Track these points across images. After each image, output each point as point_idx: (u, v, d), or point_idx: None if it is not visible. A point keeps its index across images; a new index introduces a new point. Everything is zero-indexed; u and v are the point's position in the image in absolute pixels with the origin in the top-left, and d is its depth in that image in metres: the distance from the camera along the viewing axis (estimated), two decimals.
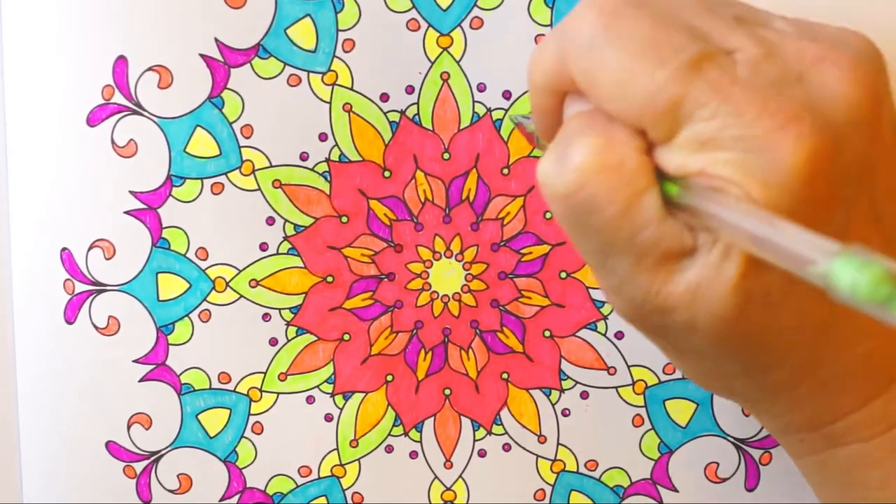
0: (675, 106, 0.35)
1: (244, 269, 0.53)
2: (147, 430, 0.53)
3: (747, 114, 0.34)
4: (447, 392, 0.54)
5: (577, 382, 0.54)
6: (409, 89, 0.52)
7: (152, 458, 0.54)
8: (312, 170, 0.52)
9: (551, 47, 0.38)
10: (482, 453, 0.55)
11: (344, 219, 0.52)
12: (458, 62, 0.52)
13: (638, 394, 0.54)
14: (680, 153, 0.35)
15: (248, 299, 0.53)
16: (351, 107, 0.52)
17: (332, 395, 0.54)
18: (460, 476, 0.55)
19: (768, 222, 0.32)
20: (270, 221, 0.52)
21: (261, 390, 0.54)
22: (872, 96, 0.36)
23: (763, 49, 0.36)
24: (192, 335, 0.53)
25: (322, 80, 0.51)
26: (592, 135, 0.36)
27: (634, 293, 0.37)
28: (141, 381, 0.53)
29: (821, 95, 0.36)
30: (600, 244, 0.37)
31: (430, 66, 0.52)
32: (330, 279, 0.53)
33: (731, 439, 0.55)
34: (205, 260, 0.52)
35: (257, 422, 0.54)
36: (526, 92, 0.52)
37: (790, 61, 0.36)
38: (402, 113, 0.52)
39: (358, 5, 0.51)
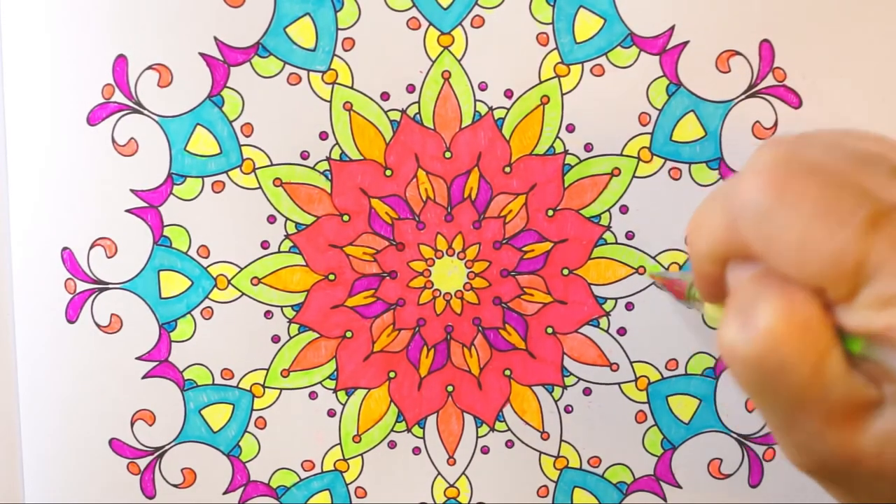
0: (859, 265, 0.36)
1: (246, 266, 0.56)
2: (150, 426, 0.57)
3: None
4: (450, 389, 0.58)
5: (579, 379, 0.58)
6: (410, 88, 0.55)
7: (156, 454, 0.57)
8: (313, 168, 0.55)
9: (717, 216, 0.40)
10: (485, 450, 0.58)
11: (345, 217, 0.56)
12: (459, 61, 0.55)
13: (641, 390, 0.58)
14: (863, 312, 0.36)
15: (249, 297, 0.56)
16: (351, 105, 0.55)
17: (335, 391, 0.57)
18: (463, 472, 0.58)
19: None
20: (272, 219, 0.56)
21: (263, 386, 0.57)
22: None
23: None
24: (194, 332, 0.56)
25: (322, 78, 0.55)
26: (775, 298, 0.37)
27: (822, 449, 0.38)
28: (144, 378, 0.57)
29: None
30: (787, 404, 0.38)
31: (431, 65, 0.55)
32: (332, 277, 0.57)
33: (735, 435, 0.58)
34: (206, 258, 0.56)
35: (260, 417, 0.58)
36: (527, 91, 0.55)
37: None
38: (403, 112, 0.55)
39: (357, 4, 0.54)
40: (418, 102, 0.55)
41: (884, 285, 0.36)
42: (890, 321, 0.36)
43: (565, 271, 0.57)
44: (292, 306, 0.57)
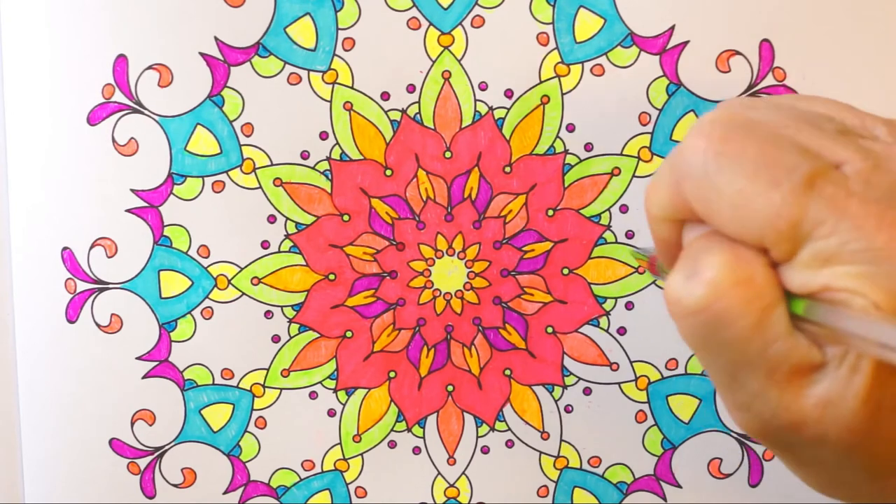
0: (795, 225, 0.37)
1: (246, 266, 0.57)
2: (151, 426, 0.58)
3: (866, 227, 0.36)
4: (450, 388, 0.58)
5: (579, 378, 0.58)
6: (411, 88, 0.56)
7: (156, 454, 0.58)
8: (313, 168, 0.56)
9: (665, 179, 0.41)
10: (485, 450, 0.59)
11: (345, 217, 0.57)
12: (459, 61, 0.55)
13: (641, 389, 0.58)
14: (803, 271, 0.37)
15: (250, 297, 0.57)
16: (351, 105, 0.55)
17: (335, 390, 0.58)
18: (463, 472, 0.59)
19: None
20: (272, 219, 0.56)
21: (264, 386, 0.58)
22: None
23: (871, 161, 0.38)
24: (194, 332, 0.57)
25: (322, 78, 0.55)
26: (721, 252, 0.38)
27: (764, 409, 0.39)
28: (144, 377, 0.57)
29: None
30: (730, 360, 0.39)
31: (432, 65, 0.55)
32: (332, 277, 0.57)
33: (735, 435, 0.59)
34: (206, 258, 0.57)
35: (260, 417, 0.58)
36: (527, 91, 0.56)
37: None
38: (404, 111, 0.56)
39: (358, 4, 0.54)
40: (418, 102, 0.56)
41: (821, 245, 0.37)
42: (827, 281, 0.37)
43: (565, 271, 0.57)
44: (292, 306, 0.57)
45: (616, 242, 0.57)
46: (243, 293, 0.57)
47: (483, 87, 0.56)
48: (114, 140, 0.55)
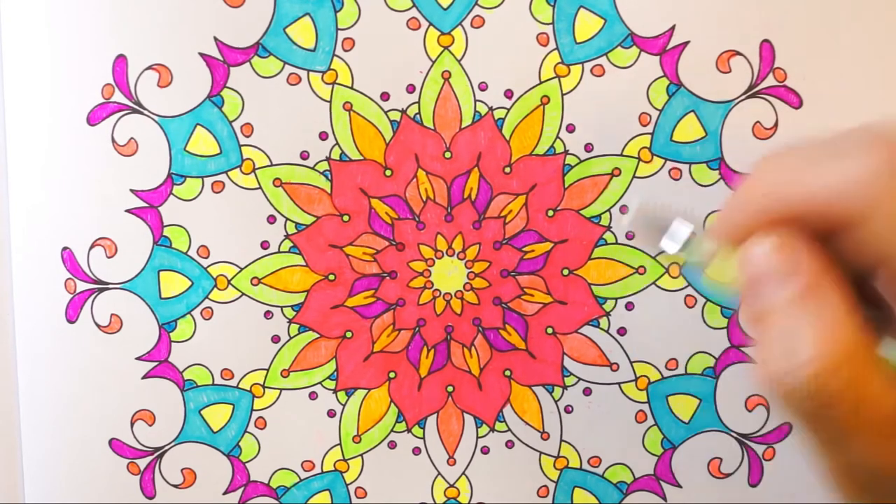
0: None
1: (246, 267, 0.57)
2: (150, 426, 0.58)
3: None
4: (450, 389, 0.59)
5: (579, 379, 0.59)
6: (410, 88, 0.56)
7: (156, 454, 0.58)
8: (313, 168, 0.56)
9: (826, 176, 0.37)
10: (485, 450, 0.59)
11: (345, 217, 0.57)
12: (459, 61, 0.56)
13: (641, 390, 0.59)
14: (879, 240, 0.36)
15: (249, 297, 0.57)
16: (351, 106, 0.56)
17: (335, 391, 0.58)
18: (463, 473, 0.59)
19: None
20: (271, 220, 0.57)
21: (263, 386, 0.58)
22: None
23: None
24: (194, 332, 0.57)
25: (322, 78, 0.56)
26: (815, 322, 0.37)
27: (877, 465, 0.38)
28: (144, 378, 0.58)
29: None
30: (839, 430, 0.37)
31: (431, 65, 0.56)
32: (332, 277, 0.57)
33: (735, 435, 0.59)
34: (206, 258, 0.57)
35: (260, 417, 0.59)
36: (527, 91, 0.56)
37: None
38: (403, 112, 0.56)
39: (357, 4, 0.55)
40: (418, 102, 0.56)
41: None
42: None
43: (565, 271, 0.58)
44: (292, 306, 0.58)
45: (616, 243, 0.57)
46: (243, 293, 0.57)
47: (483, 87, 0.56)
48: (113, 140, 0.56)
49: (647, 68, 0.56)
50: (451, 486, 0.60)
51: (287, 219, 0.57)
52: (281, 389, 0.58)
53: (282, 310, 0.58)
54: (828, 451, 0.39)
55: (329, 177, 0.56)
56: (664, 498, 0.60)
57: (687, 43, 0.55)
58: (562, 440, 0.59)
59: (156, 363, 0.58)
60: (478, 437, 0.59)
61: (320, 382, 0.59)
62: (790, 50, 0.55)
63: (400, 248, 0.57)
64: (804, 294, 0.38)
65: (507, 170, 0.57)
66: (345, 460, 0.59)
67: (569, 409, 0.59)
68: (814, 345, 0.36)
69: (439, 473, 0.60)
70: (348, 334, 0.58)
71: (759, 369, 0.38)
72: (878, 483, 0.39)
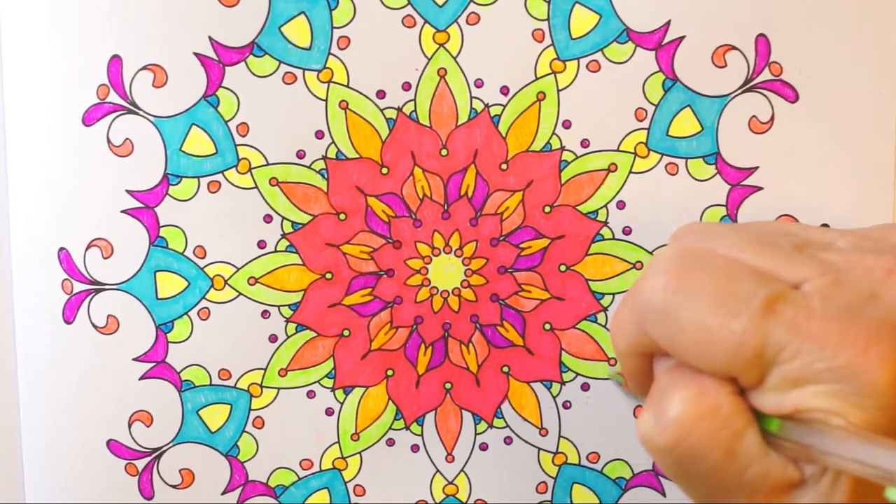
0: (759, 353, 0.38)
1: (242, 266, 0.58)
2: (148, 427, 0.59)
3: (829, 346, 0.37)
4: (448, 386, 0.59)
5: (577, 374, 0.59)
6: (406, 86, 0.57)
7: (154, 455, 0.59)
8: (309, 167, 0.57)
9: (627, 316, 0.43)
10: (483, 447, 0.60)
11: (342, 216, 0.57)
12: (454, 58, 0.56)
13: None
14: (773, 394, 0.39)
15: (246, 297, 0.58)
16: (347, 104, 0.56)
17: (333, 389, 0.59)
18: (462, 469, 0.60)
19: (872, 444, 0.36)
20: (268, 219, 0.57)
21: (261, 386, 0.59)
22: None
23: (830, 276, 0.39)
24: (191, 333, 0.58)
25: (318, 77, 0.56)
26: (684, 387, 0.40)
27: None
28: (141, 379, 0.58)
29: None
30: (709, 488, 0.40)
31: (427, 63, 0.56)
32: (329, 276, 0.58)
33: None
34: (203, 258, 0.57)
35: (258, 416, 0.59)
36: (523, 88, 0.57)
37: (859, 282, 0.39)
38: (399, 109, 0.57)
39: (353, 2, 0.55)
40: (414, 100, 0.57)
41: (787, 368, 0.38)
42: (797, 401, 0.38)
43: (563, 267, 0.58)
44: (289, 305, 0.58)
45: (613, 239, 0.58)
46: (240, 293, 0.58)
47: (479, 84, 0.57)
48: (109, 141, 0.56)
49: (642, 63, 0.57)
50: (450, 482, 0.60)
51: (283, 218, 0.57)
52: (279, 389, 0.59)
53: (279, 309, 0.58)
54: None
55: (325, 175, 0.57)
56: (663, 494, 0.60)
57: (682, 38, 0.56)
58: (560, 436, 0.60)
59: (153, 364, 0.58)
60: (476, 434, 0.60)
61: (318, 381, 0.59)
62: (786, 44, 0.56)
63: (397, 245, 0.58)
64: (681, 364, 0.41)
65: (504, 166, 0.57)
66: (343, 458, 0.60)
67: (567, 405, 0.60)
68: (678, 402, 0.40)
69: (438, 470, 0.60)
70: (346, 333, 0.59)
71: (636, 428, 0.41)
72: None
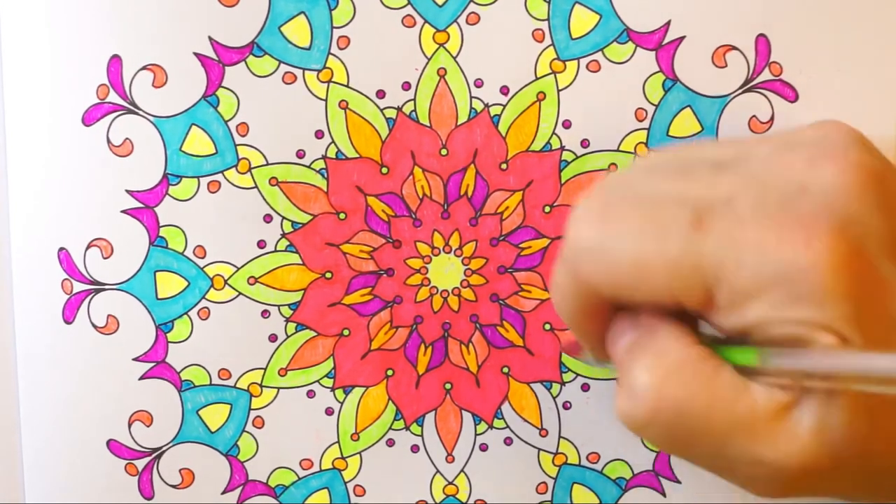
0: (698, 269, 0.38)
1: (242, 266, 0.58)
2: (148, 427, 0.59)
3: (769, 249, 0.37)
4: (448, 386, 0.59)
5: (577, 375, 0.59)
6: (406, 85, 0.57)
7: (154, 455, 0.59)
8: (309, 167, 0.57)
9: (563, 274, 0.42)
10: (483, 447, 0.60)
11: (342, 215, 0.58)
12: (454, 58, 0.57)
13: None
14: (730, 314, 0.38)
15: (246, 296, 0.58)
16: (347, 104, 0.57)
17: (333, 389, 0.59)
18: (462, 470, 0.60)
19: (864, 356, 0.35)
20: (268, 219, 0.58)
21: (261, 385, 0.59)
22: (875, 173, 0.39)
23: (755, 181, 0.39)
24: (191, 333, 0.58)
25: (317, 77, 0.57)
26: (643, 355, 0.40)
27: (770, 469, 0.39)
28: (141, 378, 0.58)
29: (827, 194, 0.38)
30: (708, 445, 0.39)
31: (427, 62, 0.57)
32: (329, 275, 0.59)
33: None
34: (203, 258, 0.58)
35: (258, 416, 0.60)
36: (523, 87, 0.57)
37: (784, 179, 0.39)
38: (399, 109, 0.57)
39: (352, 2, 0.56)
40: (414, 100, 0.57)
41: (734, 281, 0.38)
42: (757, 315, 0.38)
43: None
44: (289, 305, 0.59)
45: None
46: (240, 293, 0.58)
47: (479, 84, 0.57)
48: (108, 141, 0.56)
49: (642, 64, 0.57)
50: (450, 483, 0.61)
51: (283, 217, 0.58)
52: (278, 388, 0.59)
53: (279, 308, 0.59)
54: (724, 471, 0.41)
55: (325, 175, 0.57)
56: (663, 494, 0.61)
57: (682, 38, 0.57)
58: (560, 436, 0.60)
59: (153, 364, 0.59)
60: (476, 435, 0.60)
61: (318, 381, 0.60)
62: (786, 44, 0.56)
63: (397, 245, 0.58)
64: (636, 339, 0.41)
65: (504, 166, 0.58)
66: (343, 458, 0.60)
67: (567, 406, 0.60)
68: (643, 374, 0.39)
69: (438, 471, 0.61)
70: (346, 332, 0.59)
71: (617, 414, 0.41)
72: (792, 484, 0.40)
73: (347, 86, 0.57)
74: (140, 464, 0.59)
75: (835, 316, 0.36)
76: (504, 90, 0.57)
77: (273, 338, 0.59)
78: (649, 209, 0.40)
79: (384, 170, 0.57)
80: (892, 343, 0.37)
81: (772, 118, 0.57)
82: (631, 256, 0.39)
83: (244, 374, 0.59)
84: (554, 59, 0.57)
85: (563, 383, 0.59)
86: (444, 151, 0.57)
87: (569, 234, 0.42)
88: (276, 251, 0.58)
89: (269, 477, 0.60)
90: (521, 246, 0.58)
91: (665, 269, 0.39)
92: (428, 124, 0.57)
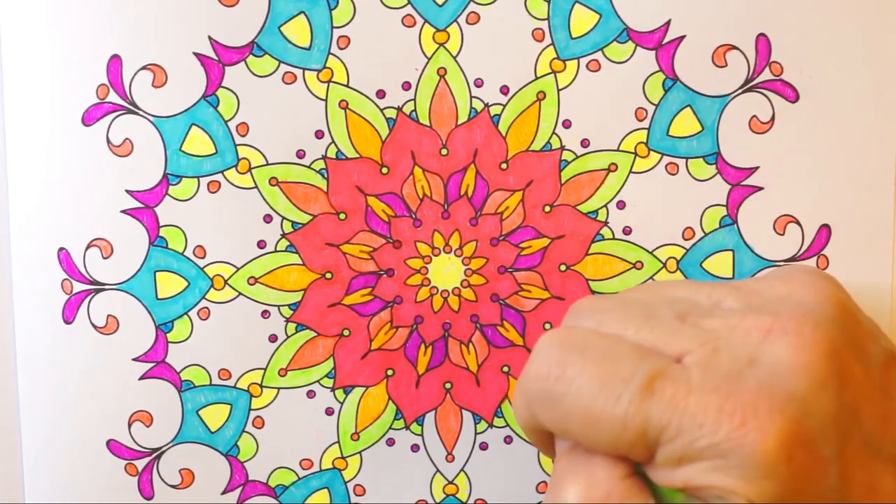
0: (642, 434, 0.39)
1: (242, 266, 0.58)
2: (148, 427, 0.59)
3: (707, 422, 0.38)
4: (448, 386, 0.60)
5: None
6: (406, 85, 0.57)
7: (154, 455, 0.59)
8: (309, 167, 0.57)
9: (519, 400, 0.44)
10: (484, 446, 0.60)
11: (342, 216, 0.58)
12: (454, 57, 0.57)
13: None
14: (663, 471, 0.40)
15: (246, 297, 0.58)
16: (347, 104, 0.57)
17: (333, 389, 0.59)
18: (462, 469, 0.60)
19: None
20: (268, 219, 0.58)
21: (261, 386, 0.59)
22: (829, 352, 0.40)
23: (710, 346, 0.41)
24: (191, 333, 0.59)
25: (317, 77, 0.57)
26: (576, 477, 0.41)
27: None
28: (141, 379, 0.59)
29: (776, 371, 0.40)
30: None
31: (427, 62, 0.57)
32: (329, 276, 0.59)
33: None
34: (203, 258, 0.58)
35: (258, 416, 0.60)
36: (523, 87, 0.57)
37: (739, 347, 0.41)
38: (399, 109, 0.57)
39: (352, 2, 0.56)
40: (414, 100, 0.57)
41: (671, 446, 0.39)
42: (686, 478, 0.39)
43: (563, 267, 0.59)
44: (289, 305, 0.59)
45: (613, 239, 0.58)
46: (240, 293, 0.59)
47: (479, 83, 0.57)
48: (108, 141, 0.57)
49: (642, 63, 0.57)
50: (450, 482, 0.61)
51: (283, 218, 0.58)
52: (279, 388, 0.60)
53: (279, 309, 0.59)
54: None
55: (325, 175, 0.58)
56: None
57: (683, 37, 0.57)
58: None
59: (153, 364, 0.59)
60: (476, 434, 0.60)
61: (318, 381, 0.60)
62: (787, 44, 0.57)
63: (397, 245, 0.58)
64: (576, 458, 0.42)
65: (504, 166, 0.58)
66: (343, 458, 0.61)
67: None
68: (572, 493, 0.41)
69: (438, 470, 0.61)
70: (346, 332, 0.59)
71: None
72: None
73: (347, 86, 0.57)
74: (140, 464, 0.60)
75: (759, 493, 0.38)
76: (504, 90, 0.57)
77: (273, 338, 0.59)
78: (607, 367, 0.41)
79: (384, 170, 0.58)
80: None
81: (772, 118, 0.57)
82: (581, 413, 0.41)
83: (244, 374, 0.59)
84: (554, 58, 0.57)
85: None
86: (444, 151, 0.57)
87: (527, 372, 0.43)
88: (276, 251, 0.58)
89: (269, 477, 0.60)
90: (521, 246, 0.58)
91: (611, 429, 0.40)
92: (428, 124, 0.57)
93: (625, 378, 0.40)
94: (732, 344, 0.41)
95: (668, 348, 0.42)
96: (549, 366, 0.42)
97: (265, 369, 0.59)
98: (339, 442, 0.60)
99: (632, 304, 0.45)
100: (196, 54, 0.56)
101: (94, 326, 0.58)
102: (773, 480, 0.38)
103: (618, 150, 0.58)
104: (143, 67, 0.56)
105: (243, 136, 0.57)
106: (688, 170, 0.57)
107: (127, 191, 0.57)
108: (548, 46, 0.57)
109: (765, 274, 0.47)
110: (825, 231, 0.58)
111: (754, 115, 0.57)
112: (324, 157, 0.57)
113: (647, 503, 0.41)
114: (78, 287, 0.58)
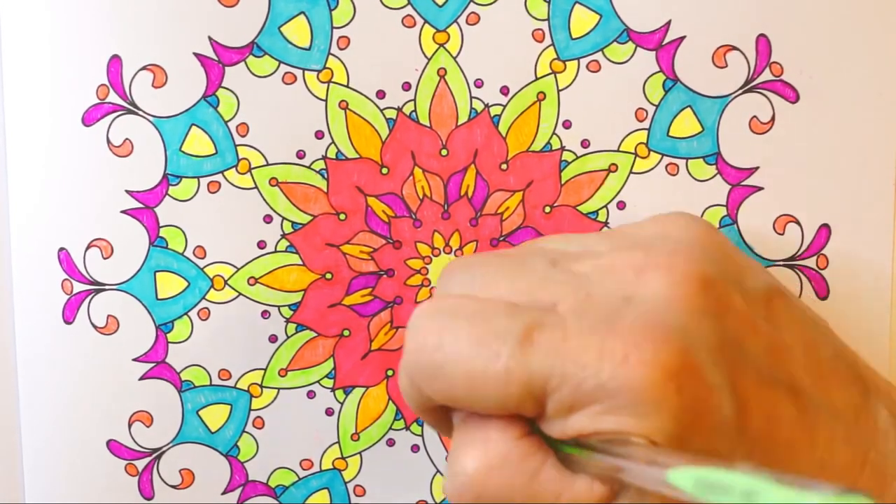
0: (526, 387, 0.39)
1: (242, 266, 0.59)
2: (148, 427, 0.59)
3: (590, 364, 0.38)
4: None
5: None
6: (406, 86, 0.58)
7: (154, 455, 0.60)
8: (309, 167, 0.58)
9: (404, 380, 0.44)
10: None
11: (342, 216, 0.58)
12: (454, 58, 0.57)
13: None
14: (556, 422, 0.40)
15: (246, 297, 0.59)
16: (347, 104, 0.57)
17: (333, 389, 0.60)
18: None
19: (656, 463, 0.36)
20: (268, 219, 0.58)
21: (261, 386, 0.60)
22: (703, 282, 0.41)
23: (584, 290, 0.41)
24: (191, 333, 0.59)
25: (317, 77, 0.57)
26: (471, 444, 0.41)
27: None
28: (141, 379, 0.59)
29: (653, 306, 0.40)
30: None
31: (427, 63, 0.57)
32: (329, 276, 0.59)
33: None
34: (203, 258, 0.58)
35: (258, 417, 0.60)
36: (523, 88, 0.57)
37: (613, 287, 0.41)
38: (399, 110, 0.58)
39: (352, 2, 0.56)
40: (414, 100, 0.58)
41: (559, 395, 0.39)
42: (578, 426, 0.39)
43: None
44: (289, 306, 0.59)
45: None
46: (240, 293, 0.59)
47: (479, 84, 0.58)
48: (108, 141, 0.57)
49: (642, 64, 0.57)
50: None
51: (283, 218, 0.58)
52: (279, 389, 0.60)
53: (279, 309, 0.59)
54: None
55: (325, 175, 0.58)
56: None
57: (683, 38, 0.57)
58: None
59: (153, 364, 0.59)
60: None
61: (318, 381, 0.60)
62: (787, 44, 0.57)
63: (397, 246, 0.59)
64: (469, 425, 0.42)
65: (504, 166, 0.58)
66: (343, 458, 0.61)
67: None
68: (467, 461, 0.41)
69: (438, 471, 0.61)
70: (346, 333, 0.60)
71: (443, 491, 0.43)
72: None
73: (347, 86, 0.57)
74: (140, 464, 0.60)
75: (651, 428, 0.38)
76: (504, 90, 0.58)
77: (273, 338, 0.59)
78: (481, 324, 0.41)
79: (384, 170, 0.58)
80: (715, 448, 0.39)
81: (772, 118, 0.57)
82: (463, 377, 0.40)
83: (244, 374, 0.60)
84: (554, 59, 0.57)
85: None
86: (444, 152, 0.58)
87: (406, 345, 0.43)
88: (276, 252, 0.59)
89: (269, 477, 0.61)
90: None
91: (495, 387, 0.40)
92: (428, 124, 0.58)
93: (501, 334, 0.40)
94: (606, 285, 0.41)
95: (543, 298, 0.41)
96: (424, 337, 0.42)
97: (265, 370, 0.60)
98: (339, 442, 0.61)
99: (503, 258, 0.45)
100: (196, 54, 0.57)
101: (95, 327, 0.59)
102: (664, 414, 0.37)
103: (618, 150, 0.58)
104: (144, 68, 0.57)
105: (243, 136, 0.57)
106: (688, 170, 0.58)
107: (127, 191, 0.58)
108: (548, 47, 0.57)
109: (636, 222, 0.47)
110: (825, 231, 0.58)
111: (754, 116, 0.57)
112: (324, 158, 0.58)
113: (547, 460, 0.40)
114: (78, 287, 0.58)
